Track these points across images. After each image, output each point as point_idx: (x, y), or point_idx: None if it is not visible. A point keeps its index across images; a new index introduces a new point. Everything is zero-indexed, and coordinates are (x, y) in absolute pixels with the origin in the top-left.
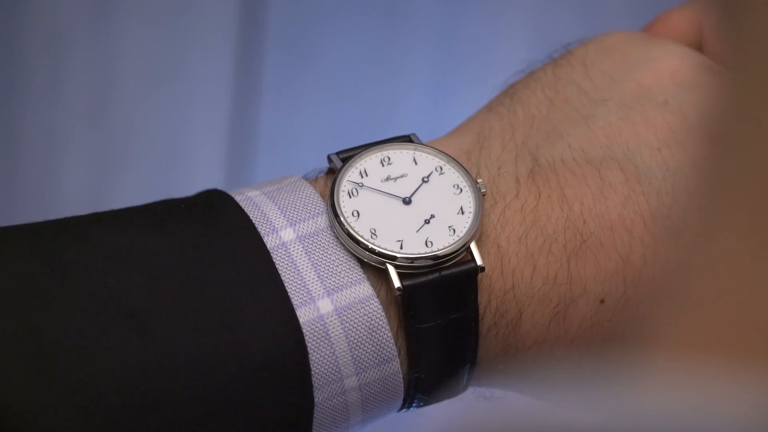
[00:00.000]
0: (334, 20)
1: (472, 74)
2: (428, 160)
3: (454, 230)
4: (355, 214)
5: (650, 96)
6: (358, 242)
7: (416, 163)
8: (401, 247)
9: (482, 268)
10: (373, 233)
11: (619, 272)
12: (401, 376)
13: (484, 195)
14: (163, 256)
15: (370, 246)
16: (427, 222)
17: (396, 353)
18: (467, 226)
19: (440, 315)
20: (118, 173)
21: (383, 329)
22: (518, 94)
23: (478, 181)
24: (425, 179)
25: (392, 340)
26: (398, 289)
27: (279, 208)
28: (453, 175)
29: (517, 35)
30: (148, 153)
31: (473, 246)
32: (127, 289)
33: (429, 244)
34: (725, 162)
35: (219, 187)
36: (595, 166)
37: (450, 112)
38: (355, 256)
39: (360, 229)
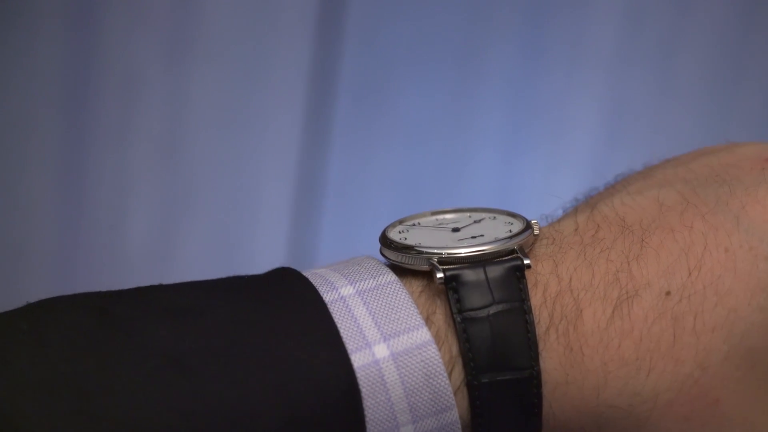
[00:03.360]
0: (406, 71)
1: (544, 131)
2: (482, 213)
3: (499, 239)
4: (403, 238)
5: (712, 152)
6: (403, 248)
7: (470, 217)
8: (445, 248)
9: (528, 265)
10: (419, 244)
11: (681, 262)
12: (460, 425)
13: (536, 237)
14: (216, 310)
15: (415, 248)
16: (473, 238)
17: (454, 403)
18: (514, 233)
19: (487, 306)
20: (185, 216)
21: (440, 376)
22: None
23: (533, 222)
24: (477, 221)
25: (450, 388)
26: (440, 278)
27: (342, 275)
28: (505, 218)
29: (591, 94)
30: (215, 198)
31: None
32: (177, 339)
33: (473, 246)
34: None
35: (283, 236)
36: (654, 198)
37: (520, 168)
38: (413, 303)
39: (406, 242)
